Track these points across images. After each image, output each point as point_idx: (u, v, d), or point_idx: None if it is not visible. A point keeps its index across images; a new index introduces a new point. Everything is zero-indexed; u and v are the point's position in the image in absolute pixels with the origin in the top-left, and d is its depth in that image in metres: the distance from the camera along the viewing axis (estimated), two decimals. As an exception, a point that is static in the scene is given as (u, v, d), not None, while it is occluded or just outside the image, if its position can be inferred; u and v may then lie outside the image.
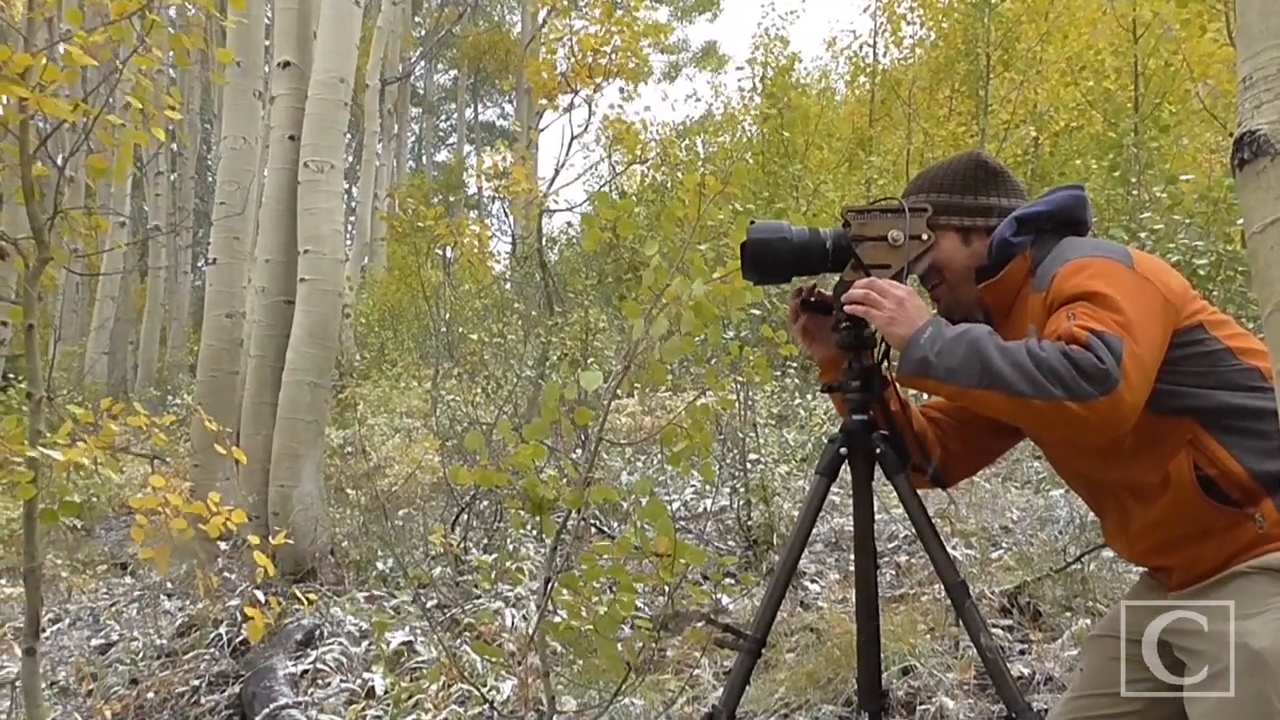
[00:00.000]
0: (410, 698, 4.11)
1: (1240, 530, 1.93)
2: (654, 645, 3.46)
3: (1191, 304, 2.00)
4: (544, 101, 15.03)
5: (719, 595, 5.12)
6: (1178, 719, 1.98)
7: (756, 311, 8.50)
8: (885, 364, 2.33)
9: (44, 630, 5.30)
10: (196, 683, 4.80)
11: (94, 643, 5.60)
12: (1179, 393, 1.95)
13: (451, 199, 30.78)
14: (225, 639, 5.13)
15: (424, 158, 40.97)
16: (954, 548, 5.19)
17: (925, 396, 2.42)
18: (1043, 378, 1.83)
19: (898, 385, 2.29)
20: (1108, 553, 4.70)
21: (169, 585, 6.32)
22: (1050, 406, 1.83)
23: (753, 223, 2.37)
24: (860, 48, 17.00)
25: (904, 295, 2.09)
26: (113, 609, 6.18)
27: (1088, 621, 4.25)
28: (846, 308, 2.19)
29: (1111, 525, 2.20)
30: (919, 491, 2.30)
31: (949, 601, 2.60)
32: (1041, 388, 1.83)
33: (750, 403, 6.75)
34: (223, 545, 5.78)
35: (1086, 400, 1.80)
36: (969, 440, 2.35)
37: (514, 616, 4.88)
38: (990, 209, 2.23)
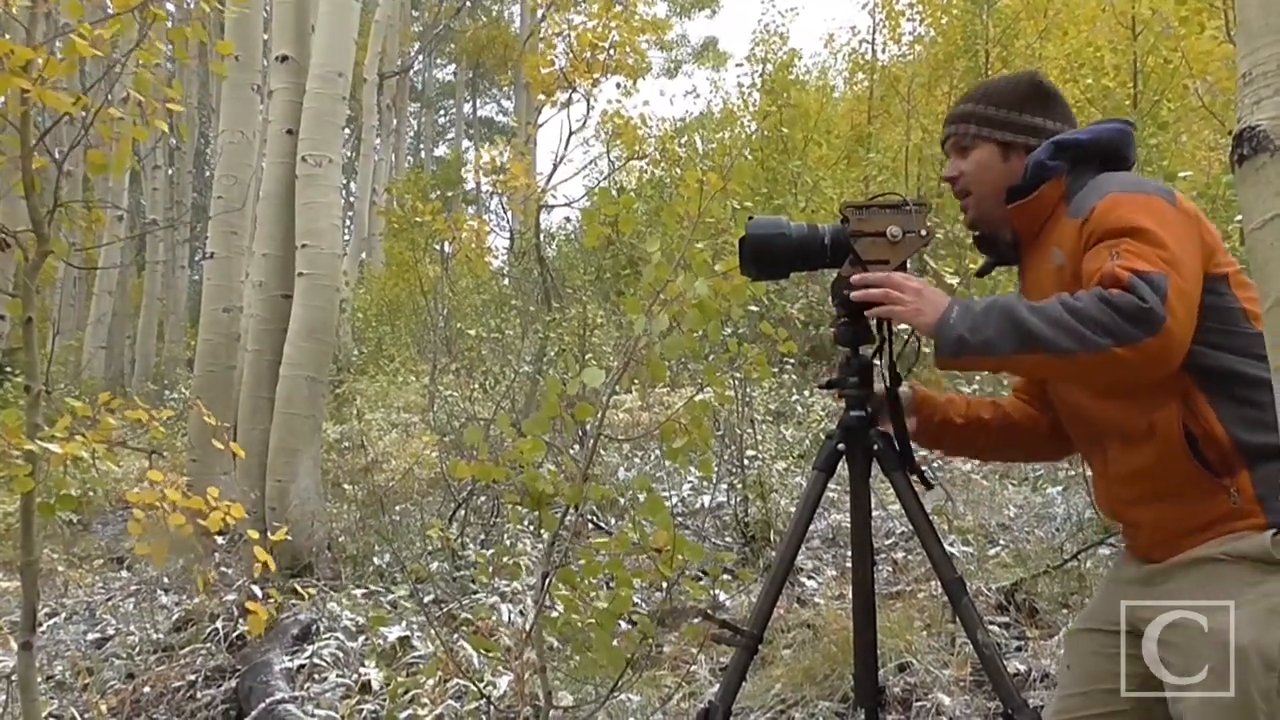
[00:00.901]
0: (407, 692, 4.11)
1: (1214, 500, 1.92)
2: (651, 641, 3.46)
3: (1224, 254, 1.99)
4: (542, 97, 15.02)
5: (716, 591, 5.13)
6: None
7: (755, 308, 8.49)
8: (894, 361, 2.33)
9: (40, 625, 5.29)
10: (193, 677, 4.80)
11: (90, 637, 5.60)
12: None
13: (450, 194, 30.74)
14: (222, 634, 5.13)
15: (422, 153, 40.92)
16: (951, 544, 5.19)
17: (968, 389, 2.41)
18: (1085, 329, 1.80)
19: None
20: (1104, 550, 4.70)
21: (166, 580, 6.32)
22: (1098, 357, 1.81)
23: (751, 219, 2.37)
24: (859, 44, 16.99)
25: (920, 285, 2.08)
26: (109, 604, 6.17)
27: (1084, 618, 4.25)
28: (866, 314, 2.20)
29: (1095, 470, 2.20)
30: (918, 485, 2.31)
31: (946, 598, 2.60)
32: (1085, 340, 1.80)
33: (748, 399, 6.76)
34: (220, 540, 5.78)
35: (1134, 343, 1.78)
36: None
37: (511, 612, 4.89)
38: (1035, 129, 2.20)
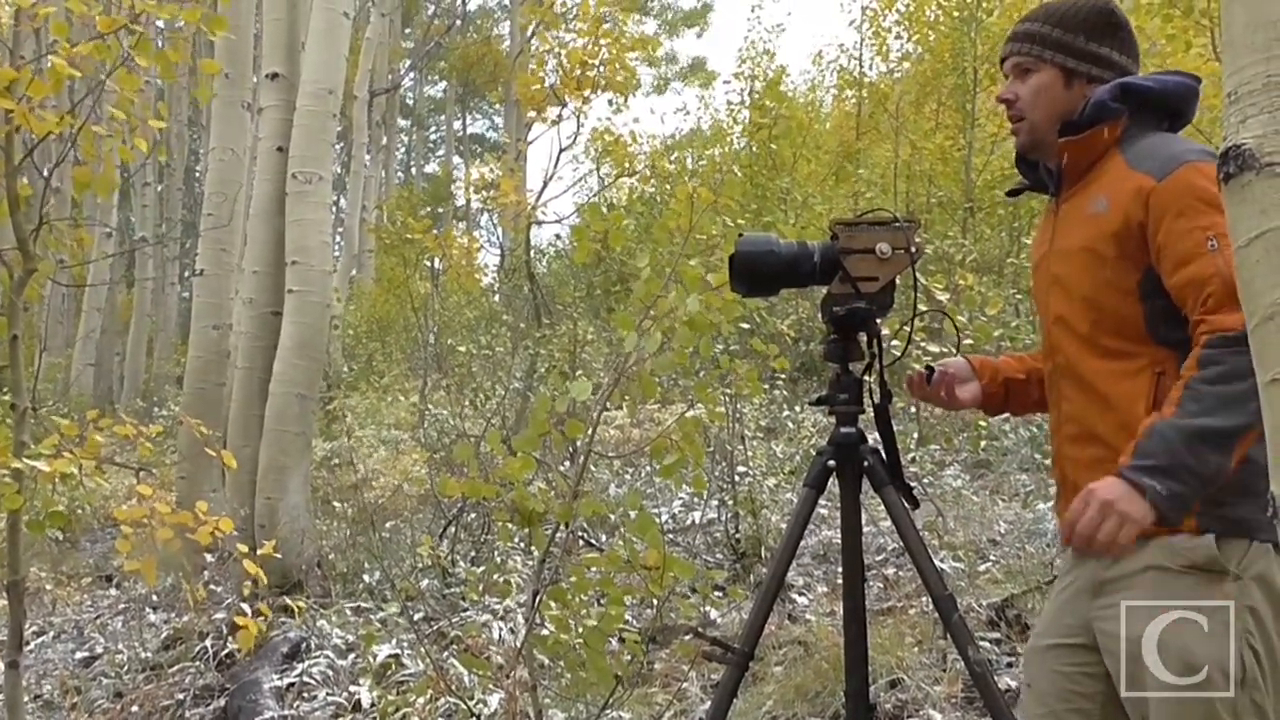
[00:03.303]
0: (397, 711, 4.09)
1: None
2: (642, 658, 3.46)
3: None
4: (533, 114, 15.05)
5: (707, 608, 5.12)
6: None
7: (746, 325, 8.51)
8: (884, 376, 2.33)
9: (27, 643, 5.27)
10: (181, 696, 4.77)
11: (78, 656, 5.57)
12: (1179, 324, 1.92)
13: (440, 210, 30.78)
14: (211, 652, 5.10)
15: (413, 169, 40.97)
16: (942, 561, 5.19)
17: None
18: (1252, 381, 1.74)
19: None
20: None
21: (154, 598, 6.29)
22: None
23: (741, 236, 2.37)
24: (847, 61, 17.04)
25: (1095, 499, 1.87)
26: (97, 621, 6.15)
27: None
28: (1086, 551, 1.97)
29: (1053, 427, 2.19)
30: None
31: (937, 614, 2.60)
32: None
33: (738, 415, 6.75)
34: (209, 557, 5.76)
35: None
36: None
37: (501, 629, 4.87)
38: (1102, 59, 2.13)
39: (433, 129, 42.65)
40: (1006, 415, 2.49)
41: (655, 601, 3.19)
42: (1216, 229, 1.83)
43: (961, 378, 2.38)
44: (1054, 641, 2.13)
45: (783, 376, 8.75)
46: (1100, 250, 2.01)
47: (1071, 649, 2.08)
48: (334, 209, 13.66)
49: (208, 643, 5.17)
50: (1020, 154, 2.26)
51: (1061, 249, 2.12)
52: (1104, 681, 2.02)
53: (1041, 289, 2.21)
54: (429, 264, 19.08)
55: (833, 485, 2.38)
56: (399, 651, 4.71)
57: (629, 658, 3.15)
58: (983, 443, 7.64)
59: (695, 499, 6.90)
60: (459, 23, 33.17)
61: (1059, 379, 2.15)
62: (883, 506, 2.33)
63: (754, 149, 14.81)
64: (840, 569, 2.49)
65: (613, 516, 6.33)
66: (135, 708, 4.72)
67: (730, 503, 6.12)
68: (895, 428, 2.42)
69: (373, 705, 4.31)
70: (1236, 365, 1.74)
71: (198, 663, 5.05)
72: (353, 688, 4.52)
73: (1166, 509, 1.83)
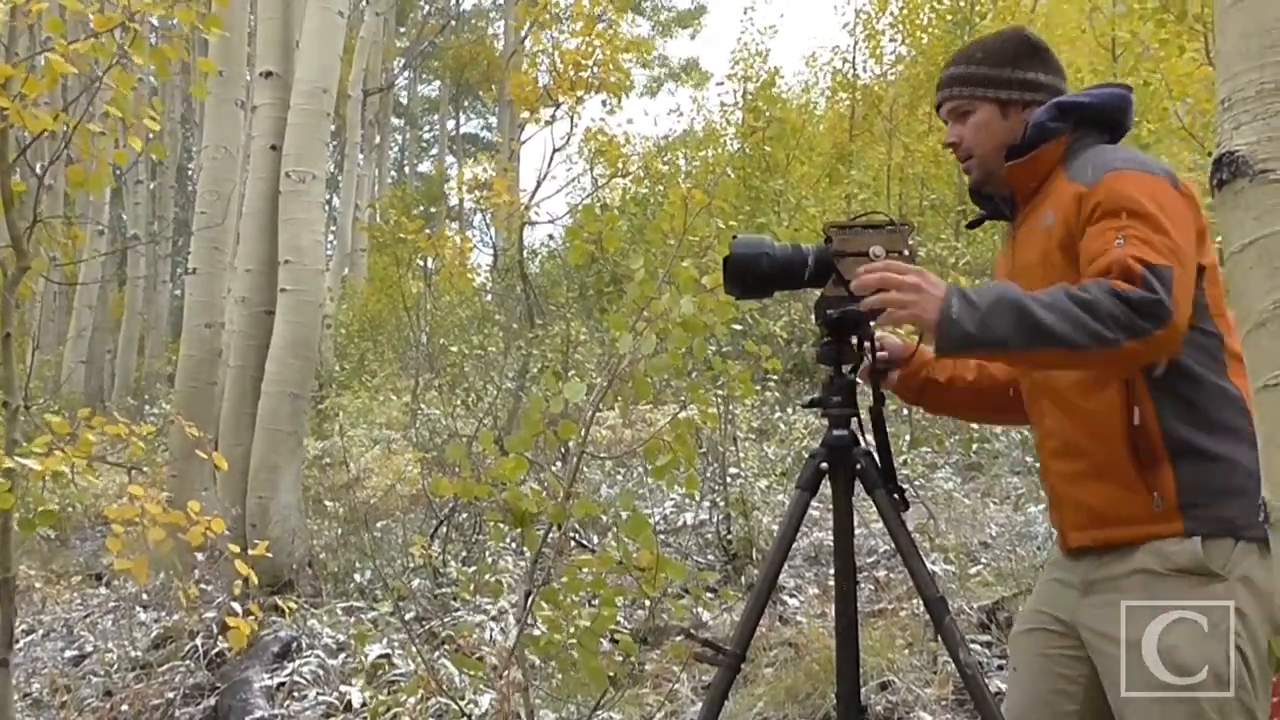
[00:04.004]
0: (388, 711, 4.08)
1: (1136, 496, 1.95)
2: (634, 659, 3.46)
3: (1207, 245, 2.00)
4: (526, 114, 15.03)
5: (699, 610, 5.12)
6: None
7: (738, 326, 8.50)
8: (878, 379, 2.33)
9: (17, 641, 5.25)
10: (171, 695, 4.76)
11: (68, 654, 5.56)
12: None
13: (433, 210, 30.73)
14: (201, 651, 5.09)
15: (406, 168, 40.91)
16: (933, 563, 5.20)
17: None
18: (1100, 325, 1.79)
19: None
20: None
21: (144, 596, 6.27)
22: (1110, 352, 1.81)
23: (735, 238, 2.37)
24: (840, 63, 17.07)
25: (917, 278, 2.00)
26: (87, 620, 6.13)
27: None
28: (873, 324, 2.14)
29: (1037, 441, 2.22)
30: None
31: (928, 617, 2.60)
32: (1100, 335, 1.79)
33: (731, 416, 6.76)
34: (199, 556, 5.75)
35: (1145, 336, 1.78)
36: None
37: (493, 630, 4.87)
38: (1031, 84, 2.19)
39: (426, 128, 42.59)
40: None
41: (647, 602, 3.20)
42: (1129, 231, 1.87)
43: (894, 362, 2.39)
44: (1035, 626, 2.18)
45: (775, 378, 8.76)
46: (1054, 261, 2.04)
47: (1055, 634, 2.13)
48: (327, 208, 13.66)
49: (198, 642, 5.15)
50: (974, 189, 2.31)
51: (1022, 266, 2.16)
52: (1088, 664, 2.06)
53: None
54: (422, 263, 19.05)
55: (825, 487, 2.38)
56: (390, 651, 4.71)
57: (621, 658, 3.15)
58: (974, 446, 7.65)
59: (687, 500, 6.90)
60: (453, 22, 33.12)
61: (1038, 396, 2.18)
62: (874, 509, 2.33)
63: (747, 151, 14.81)
64: (832, 571, 2.49)
65: (605, 517, 6.33)
66: (125, 706, 4.71)
67: (722, 504, 6.12)
68: (887, 430, 2.43)
69: (364, 705, 4.30)
70: (1100, 304, 1.79)
71: (188, 662, 5.04)
72: (343, 687, 4.52)
73: (942, 327, 1.91)
